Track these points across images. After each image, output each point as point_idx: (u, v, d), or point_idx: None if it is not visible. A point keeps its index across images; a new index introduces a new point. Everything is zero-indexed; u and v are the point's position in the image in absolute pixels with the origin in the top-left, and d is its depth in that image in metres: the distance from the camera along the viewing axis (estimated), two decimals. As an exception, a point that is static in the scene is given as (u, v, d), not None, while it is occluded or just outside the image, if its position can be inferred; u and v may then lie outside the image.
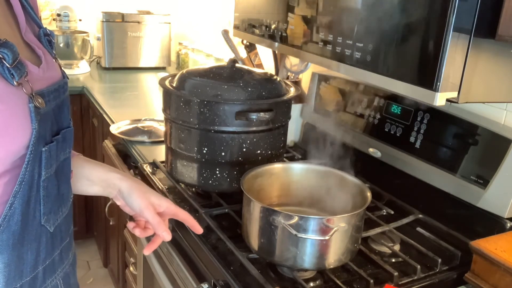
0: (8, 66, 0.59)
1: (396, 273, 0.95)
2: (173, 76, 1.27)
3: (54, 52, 0.76)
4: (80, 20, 2.80)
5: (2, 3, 0.66)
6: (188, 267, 1.12)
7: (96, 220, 2.56)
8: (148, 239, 0.91)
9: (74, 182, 0.83)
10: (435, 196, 1.16)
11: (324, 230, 0.90)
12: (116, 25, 2.77)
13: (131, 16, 2.80)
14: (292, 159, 1.49)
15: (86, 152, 2.58)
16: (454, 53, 0.74)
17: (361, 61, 0.89)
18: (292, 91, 1.24)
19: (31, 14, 0.72)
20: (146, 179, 1.41)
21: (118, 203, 0.89)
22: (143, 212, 0.84)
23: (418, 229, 1.14)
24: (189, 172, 1.21)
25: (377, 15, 0.87)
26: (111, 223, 2.05)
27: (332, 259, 0.93)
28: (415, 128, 1.20)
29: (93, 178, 0.87)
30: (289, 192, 1.13)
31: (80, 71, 2.76)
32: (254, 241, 0.97)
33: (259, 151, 1.17)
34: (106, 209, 1.78)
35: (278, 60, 1.74)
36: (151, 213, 0.83)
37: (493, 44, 0.75)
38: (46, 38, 0.74)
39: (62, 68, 0.80)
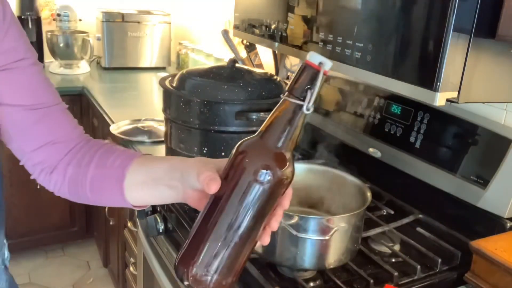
0: None
1: (396, 273, 0.95)
2: (173, 76, 1.27)
3: None
4: (80, 20, 2.80)
5: None
6: (188, 267, 1.12)
7: (96, 220, 2.56)
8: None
9: (136, 190, 0.71)
10: (435, 196, 1.16)
11: (324, 230, 0.90)
12: (116, 25, 2.77)
13: (131, 16, 2.80)
14: (292, 159, 1.49)
15: (86, 152, 2.58)
16: (454, 53, 0.74)
17: (361, 61, 0.89)
18: (292, 91, 1.23)
19: None
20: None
21: (192, 202, 0.64)
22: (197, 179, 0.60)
23: (418, 229, 1.13)
24: (189, 172, 1.21)
25: (377, 15, 0.87)
26: (111, 223, 2.05)
27: (332, 259, 0.94)
28: (415, 128, 1.20)
29: (155, 176, 0.69)
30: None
31: (80, 71, 2.75)
32: (254, 241, 0.97)
33: (259, 151, 1.17)
34: (106, 209, 1.78)
35: (278, 60, 1.74)
36: (201, 177, 0.58)
37: (493, 44, 0.75)
38: None
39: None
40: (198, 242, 0.54)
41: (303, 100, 0.52)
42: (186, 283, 0.54)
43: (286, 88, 0.54)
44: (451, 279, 0.99)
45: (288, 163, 0.53)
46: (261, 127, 0.54)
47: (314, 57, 0.53)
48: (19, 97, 0.73)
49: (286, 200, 0.59)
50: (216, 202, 0.54)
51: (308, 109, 0.53)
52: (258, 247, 0.57)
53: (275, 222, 0.58)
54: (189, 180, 0.61)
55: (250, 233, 0.54)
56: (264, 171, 0.52)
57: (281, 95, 0.54)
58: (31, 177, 0.78)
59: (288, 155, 0.54)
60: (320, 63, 0.52)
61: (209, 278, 0.53)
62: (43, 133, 0.75)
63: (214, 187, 0.55)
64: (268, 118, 0.54)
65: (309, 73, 0.53)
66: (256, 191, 0.52)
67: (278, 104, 0.54)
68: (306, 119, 0.55)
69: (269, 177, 0.52)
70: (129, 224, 1.73)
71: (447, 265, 1.01)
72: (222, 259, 0.53)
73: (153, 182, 0.68)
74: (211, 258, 0.53)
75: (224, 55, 2.33)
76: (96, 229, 2.63)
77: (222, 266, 0.53)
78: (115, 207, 0.78)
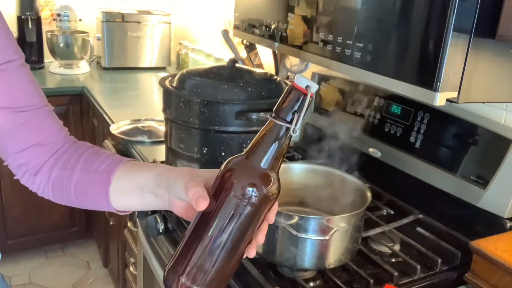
0: None
1: (396, 273, 0.95)
2: (173, 76, 1.27)
3: None
4: (80, 20, 2.80)
5: None
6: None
7: (96, 220, 2.56)
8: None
9: (121, 196, 0.71)
10: (435, 196, 1.16)
11: (324, 230, 0.90)
12: (116, 25, 2.77)
13: (131, 16, 2.80)
14: (292, 159, 1.49)
15: (86, 152, 2.58)
16: (454, 53, 0.74)
17: (361, 61, 0.89)
18: (292, 91, 1.23)
19: None
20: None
21: (178, 211, 0.65)
22: (185, 194, 0.59)
23: (418, 229, 1.14)
24: (189, 172, 1.21)
25: (377, 15, 0.87)
26: (111, 223, 2.05)
27: (332, 259, 0.94)
28: (415, 128, 1.20)
29: (141, 183, 0.68)
30: (289, 192, 1.13)
31: (80, 71, 2.75)
32: (254, 241, 0.97)
33: (259, 151, 1.17)
34: (106, 209, 1.77)
35: (278, 60, 1.74)
36: (190, 192, 0.58)
37: (493, 44, 0.75)
38: None
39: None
40: (186, 254, 0.56)
41: (290, 123, 0.54)
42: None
43: (274, 109, 0.55)
44: (451, 279, 0.99)
45: (272, 181, 0.55)
46: (249, 146, 0.56)
47: (301, 80, 0.54)
48: (5, 99, 0.72)
49: (272, 215, 0.60)
50: (204, 217, 0.56)
51: (294, 132, 0.54)
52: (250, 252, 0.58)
53: (262, 236, 0.59)
54: (176, 191, 0.62)
55: (236, 247, 0.56)
56: (250, 189, 0.54)
57: (268, 116, 0.55)
58: (15, 177, 0.78)
59: (273, 173, 0.55)
60: (307, 87, 0.53)
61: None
62: (28, 136, 0.74)
63: (202, 205, 0.56)
64: (255, 137, 0.56)
65: (295, 96, 0.54)
66: (242, 208, 0.54)
67: (265, 125, 0.56)
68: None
69: (255, 195, 0.54)
70: (129, 224, 1.73)
71: (447, 265, 1.01)
72: (209, 272, 0.55)
73: (138, 189, 0.69)
74: (198, 271, 0.55)
75: (224, 55, 2.33)
76: (96, 229, 2.63)
77: (209, 278, 0.55)
78: (99, 210, 0.77)
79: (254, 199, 0.54)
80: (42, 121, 0.76)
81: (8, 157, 0.76)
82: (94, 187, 0.72)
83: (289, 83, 0.55)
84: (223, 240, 0.55)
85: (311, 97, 0.54)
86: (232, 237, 0.55)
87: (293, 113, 0.54)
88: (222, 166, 0.56)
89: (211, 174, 0.62)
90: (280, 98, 0.55)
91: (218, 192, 0.56)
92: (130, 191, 0.70)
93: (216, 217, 0.55)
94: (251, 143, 0.56)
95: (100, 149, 0.77)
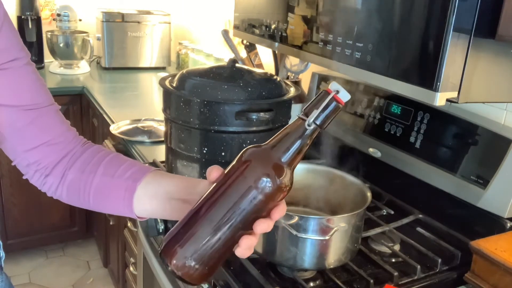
0: None
1: (396, 273, 0.95)
2: (173, 76, 1.27)
3: None
4: (80, 20, 2.80)
5: None
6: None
7: (96, 220, 2.56)
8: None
9: (145, 202, 0.71)
10: (435, 196, 1.16)
11: (324, 230, 0.90)
12: (116, 25, 2.77)
13: (131, 16, 2.80)
14: (292, 159, 1.49)
15: (86, 152, 2.58)
16: (454, 53, 0.74)
17: (361, 61, 0.89)
18: (292, 91, 1.24)
19: None
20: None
21: None
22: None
23: (418, 229, 1.14)
24: (189, 172, 1.21)
25: (377, 15, 0.87)
26: (111, 223, 2.05)
27: (332, 259, 0.94)
28: (415, 128, 1.20)
29: (171, 190, 0.68)
30: (289, 192, 1.13)
31: (80, 71, 2.75)
32: (254, 241, 0.97)
33: (259, 151, 1.17)
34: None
35: (278, 60, 1.74)
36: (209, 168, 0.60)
37: (493, 44, 0.75)
38: None
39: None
40: (187, 230, 0.57)
41: (320, 126, 0.57)
42: (169, 268, 0.57)
43: (304, 109, 0.58)
44: (451, 279, 0.99)
45: (287, 176, 0.57)
46: (273, 138, 0.58)
47: (333, 86, 0.57)
48: (12, 97, 0.72)
49: (277, 214, 0.59)
50: (212, 196, 0.57)
51: (320, 132, 0.58)
52: (248, 248, 0.58)
53: (260, 224, 0.57)
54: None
55: (236, 232, 0.57)
56: (265, 178, 0.55)
57: (300, 115, 0.58)
58: (24, 177, 0.77)
59: (289, 169, 0.57)
60: (337, 91, 0.57)
61: (189, 266, 0.56)
62: (36, 134, 0.74)
63: (214, 174, 0.57)
64: (281, 131, 0.58)
65: (324, 99, 0.57)
66: (251, 196, 0.55)
67: (294, 121, 0.58)
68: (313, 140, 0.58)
69: (268, 185, 0.55)
70: (129, 224, 1.73)
71: (447, 265, 1.01)
72: (206, 250, 0.56)
73: (167, 196, 0.68)
74: (196, 247, 0.56)
75: (224, 55, 2.33)
76: (96, 229, 2.63)
77: (205, 257, 0.56)
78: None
79: (267, 189, 0.55)
80: (50, 120, 0.76)
81: (16, 156, 0.75)
82: (117, 192, 0.72)
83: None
84: (226, 222, 0.56)
85: (340, 103, 0.57)
86: (235, 220, 0.56)
87: (326, 118, 0.57)
88: (242, 151, 0.58)
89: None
90: (316, 101, 0.57)
91: (231, 174, 0.57)
92: (156, 197, 0.69)
93: (224, 198, 0.56)
94: (276, 136, 0.58)
95: (122, 156, 0.77)
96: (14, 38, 0.73)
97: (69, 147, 0.76)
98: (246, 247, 0.57)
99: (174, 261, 0.56)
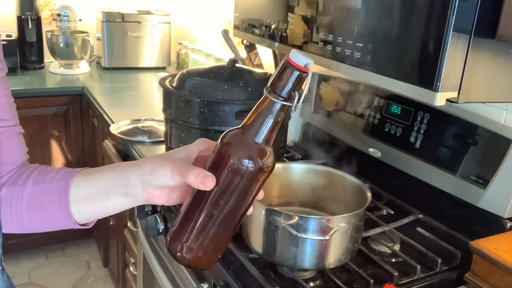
0: None
1: (396, 273, 0.95)
2: (173, 76, 1.27)
3: None
4: (80, 20, 2.80)
5: None
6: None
7: (96, 220, 2.56)
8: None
9: (83, 205, 0.68)
10: (435, 196, 1.16)
11: (324, 230, 0.90)
12: (116, 25, 2.77)
13: (131, 16, 2.80)
14: (292, 159, 1.49)
15: (86, 152, 2.58)
16: (454, 53, 0.74)
17: (361, 61, 0.89)
18: (292, 91, 1.23)
19: None
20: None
21: (159, 200, 0.64)
22: (181, 179, 0.58)
23: (418, 229, 1.14)
24: (189, 172, 1.21)
25: (377, 15, 0.87)
26: (111, 223, 2.05)
27: (332, 259, 0.94)
28: (415, 128, 1.20)
29: (105, 186, 0.65)
30: (289, 192, 1.13)
31: (80, 71, 2.75)
32: (254, 241, 0.97)
33: (259, 151, 1.17)
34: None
35: (278, 60, 1.74)
36: (190, 176, 0.57)
37: (493, 44, 0.75)
38: None
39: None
40: (187, 224, 0.59)
41: (287, 100, 0.55)
42: (176, 258, 0.60)
43: (269, 85, 0.55)
44: (451, 279, 0.99)
45: (268, 155, 0.57)
46: (245, 120, 0.58)
47: (298, 58, 0.54)
48: None
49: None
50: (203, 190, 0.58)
51: (296, 109, 0.56)
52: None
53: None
54: (157, 180, 0.60)
55: (233, 216, 0.59)
56: (246, 161, 0.56)
57: (265, 91, 0.56)
58: None
59: (268, 147, 0.57)
60: (306, 65, 0.54)
61: (194, 254, 0.59)
62: None
63: (210, 184, 0.56)
64: (251, 112, 0.57)
65: (295, 75, 0.54)
66: (238, 181, 0.56)
67: (261, 100, 0.56)
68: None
69: (251, 168, 0.56)
70: (129, 224, 1.73)
71: (447, 265, 1.01)
72: (208, 239, 0.59)
73: (103, 193, 0.65)
74: (198, 238, 0.59)
75: (224, 55, 2.33)
76: (96, 229, 2.63)
77: (209, 245, 0.59)
78: (54, 230, 0.72)
79: (250, 172, 0.56)
80: (10, 141, 0.72)
81: None
82: (51, 197, 0.67)
83: (285, 59, 0.55)
84: (221, 212, 0.58)
85: (306, 73, 0.54)
86: (229, 207, 0.58)
87: (293, 92, 0.54)
88: (219, 140, 0.58)
89: (186, 152, 0.62)
90: (276, 74, 0.55)
91: (215, 166, 0.57)
92: (93, 197, 0.66)
93: (214, 189, 0.57)
94: (247, 118, 0.57)
95: (51, 166, 0.73)
96: None
97: (13, 167, 0.72)
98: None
99: (178, 253, 0.59)
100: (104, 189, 0.65)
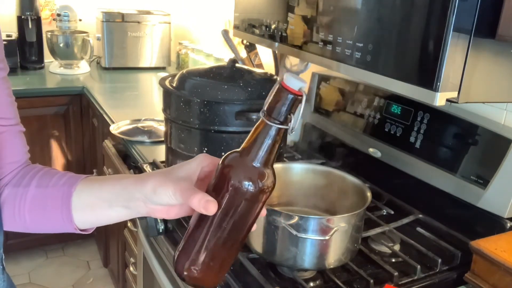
0: None
1: (396, 273, 0.95)
2: (173, 76, 1.27)
3: None
4: (80, 20, 2.80)
5: None
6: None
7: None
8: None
9: (86, 212, 0.69)
10: (435, 196, 1.16)
11: (324, 230, 0.90)
12: (116, 25, 2.77)
13: (131, 16, 2.80)
14: (292, 159, 1.49)
15: (86, 152, 2.58)
16: (454, 53, 0.74)
17: (361, 61, 0.89)
18: (292, 91, 1.23)
19: None
20: (146, 179, 1.40)
21: (160, 214, 0.65)
22: (184, 201, 0.59)
23: (418, 229, 1.14)
24: (189, 172, 1.21)
25: (377, 15, 0.87)
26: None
27: (332, 259, 0.94)
28: (415, 128, 1.20)
29: (107, 198, 0.66)
30: (289, 192, 1.13)
31: (80, 71, 2.75)
32: (254, 241, 0.97)
33: (259, 151, 1.17)
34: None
35: (278, 60, 1.74)
36: (194, 200, 0.58)
37: (493, 44, 0.75)
38: None
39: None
40: (192, 244, 0.60)
41: (283, 123, 0.56)
42: (185, 273, 0.61)
43: (265, 109, 0.56)
44: (451, 279, 0.99)
45: (267, 177, 0.58)
46: (244, 143, 0.58)
47: (292, 82, 0.55)
48: None
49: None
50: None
51: (292, 132, 0.57)
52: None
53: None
54: (159, 199, 0.61)
55: (237, 236, 0.60)
56: (246, 184, 0.57)
57: (261, 115, 0.57)
58: None
59: (267, 169, 0.58)
60: (300, 89, 0.55)
61: (199, 275, 0.60)
62: None
63: (213, 210, 0.57)
64: (249, 135, 0.58)
65: (289, 98, 0.55)
66: (240, 203, 0.58)
67: (258, 123, 0.57)
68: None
69: (251, 191, 0.57)
70: (129, 224, 1.73)
71: (447, 265, 1.01)
72: (214, 259, 0.60)
73: (105, 204, 0.66)
74: (204, 258, 0.60)
75: (224, 55, 2.33)
76: (96, 229, 2.62)
77: (215, 264, 0.60)
78: (55, 233, 0.73)
79: (250, 195, 0.57)
80: (12, 140, 0.73)
81: None
82: (53, 201, 0.69)
83: (279, 81, 0.56)
84: (225, 231, 0.59)
85: (301, 96, 0.56)
86: (232, 227, 0.59)
87: (289, 115, 0.56)
88: (220, 162, 0.59)
89: (189, 170, 0.62)
90: (272, 98, 0.56)
91: (217, 189, 0.58)
92: (95, 206, 0.67)
93: (218, 212, 0.58)
94: (246, 141, 0.58)
95: (56, 169, 0.74)
96: None
97: (15, 166, 0.73)
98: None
99: (185, 272, 0.60)
100: (106, 200, 0.66)
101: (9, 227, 0.72)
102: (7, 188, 0.71)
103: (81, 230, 0.70)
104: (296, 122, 0.56)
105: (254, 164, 0.57)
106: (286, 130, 0.57)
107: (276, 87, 0.56)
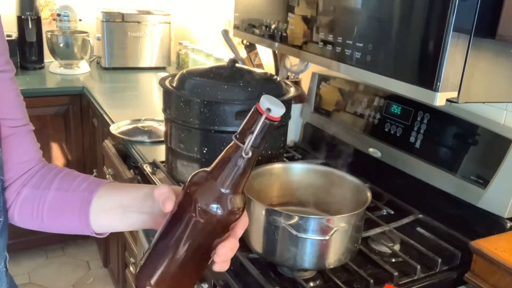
0: None
1: (396, 273, 0.95)
2: (173, 76, 1.27)
3: None
4: (80, 20, 2.80)
5: None
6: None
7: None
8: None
9: (101, 216, 0.70)
10: (435, 196, 1.16)
11: (324, 230, 0.90)
12: (116, 25, 2.77)
13: (131, 16, 2.80)
14: (292, 159, 1.49)
15: (86, 152, 2.58)
16: (454, 53, 0.74)
17: (361, 61, 0.89)
18: (292, 91, 1.24)
19: None
20: (146, 179, 1.41)
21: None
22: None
23: (418, 229, 1.14)
24: (189, 172, 1.21)
25: (377, 15, 0.87)
26: (111, 223, 2.04)
27: (332, 259, 0.94)
28: (415, 128, 1.20)
29: (126, 203, 0.67)
30: (289, 192, 1.13)
31: (80, 71, 2.75)
32: (255, 241, 0.97)
33: (259, 151, 1.17)
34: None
35: (278, 60, 1.74)
36: (157, 192, 0.60)
37: (493, 44, 0.75)
38: None
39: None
40: (154, 259, 0.59)
41: (244, 143, 0.53)
42: None
43: (238, 132, 0.55)
44: (451, 279, 0.99)
45: (230, 204, 0.55)
46: (213, 163, 0.56)
47: (263, 102, 0.53)
48: None
49: (239, 230, 0.59)
50: (170, 226, 0.58)
51: (246, 154, 0.53)
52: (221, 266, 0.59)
53: (222, 249, 0.57)
54: (159, 208, 0.61)
55: (197, 257, 0.58)
56: (213, 205, 0.55)
57: (233, 138, 0.55)
58: None
59: (232, 195, 0.55)
60: (268, 109, 0.53)
61: None
62: (7, 150, 0.71)
63: (168, 206, 0.57)
64: (221, 157, 0.56)
65: (254, 117, 0.53)
66: (200, 224, 0.56)
67: (230, 146, 0.55)
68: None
69: (211, 215, 0.55)
70: (129, 224, 1.73)
71: (447, 265, 1.01)
72: (174, 277, 0.58)
73: (121, 209, 0.67)
74: (164, 275, 0.58)
75: (224, 55, 2.33)
76: (96, 229, 2.63)
77: (175, 283, 0.59)
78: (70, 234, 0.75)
79: (210, 219, 0.55)
80: (23, 139, 0.74)
81: None
82: (72, 205, 0.69)
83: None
84: (185, 250, 0.57)
85: (272, 120, 0.53)
86: (192, 248, 0.57)
87: (262, 140, 0.53)
88: (188, 180, 0.57)
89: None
90: (247, 123, 0.54)
91: (182, 204, 0.57)
92: (112, 211, 0.68)
93: (178, 229, 0.57)
94: (218, 164, 0.56)
95: (76, 171, 0.75)
96: (4, 51, 0.71)
97: (30, 166, 0.74)
98: (224, 268, 0.58)
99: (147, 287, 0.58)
100: (123, 206, 0.67)
101: (25, 225, 0.74)
102: (26, 188, 0.72)
103: (97, 234, 0.71)
104: (250, 143, 0.53)
105: (218, 188, 0.55)
106: (242, 153, 0.53)
107: (254, 112, 0.54)
